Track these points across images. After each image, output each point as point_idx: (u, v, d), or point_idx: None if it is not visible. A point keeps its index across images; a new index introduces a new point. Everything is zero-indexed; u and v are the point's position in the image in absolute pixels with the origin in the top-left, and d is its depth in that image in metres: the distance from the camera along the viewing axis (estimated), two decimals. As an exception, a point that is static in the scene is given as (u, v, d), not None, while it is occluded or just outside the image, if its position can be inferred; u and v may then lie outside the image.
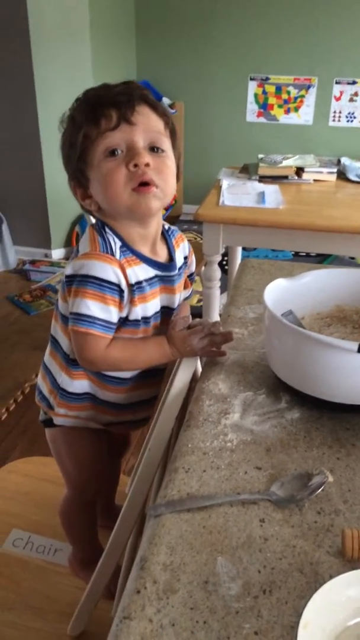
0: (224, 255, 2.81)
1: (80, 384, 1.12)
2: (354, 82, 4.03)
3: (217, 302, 2.33)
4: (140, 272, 1.02)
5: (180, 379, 0.98)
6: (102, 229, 1.01)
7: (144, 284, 1.02)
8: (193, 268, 1.19)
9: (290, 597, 0.62)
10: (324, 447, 0.83)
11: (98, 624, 1.23)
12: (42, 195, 3.44)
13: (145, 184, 0.95)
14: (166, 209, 4.39)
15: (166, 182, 0.97)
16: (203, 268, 2.33)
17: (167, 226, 1.11)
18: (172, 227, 1.14)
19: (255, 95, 4.20)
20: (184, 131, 4.41)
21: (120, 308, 1.00)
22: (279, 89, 4.13)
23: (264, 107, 4.22)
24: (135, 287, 1.00)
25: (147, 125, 0.96)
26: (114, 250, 0.99)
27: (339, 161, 2.56)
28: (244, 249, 3.05)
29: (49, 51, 3.20)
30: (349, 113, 4.12)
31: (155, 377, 1.15)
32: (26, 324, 2.94)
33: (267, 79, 4.13)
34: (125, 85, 0.98)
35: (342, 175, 2.48)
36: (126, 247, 1.01)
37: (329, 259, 3.73)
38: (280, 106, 4.18)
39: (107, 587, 1.19)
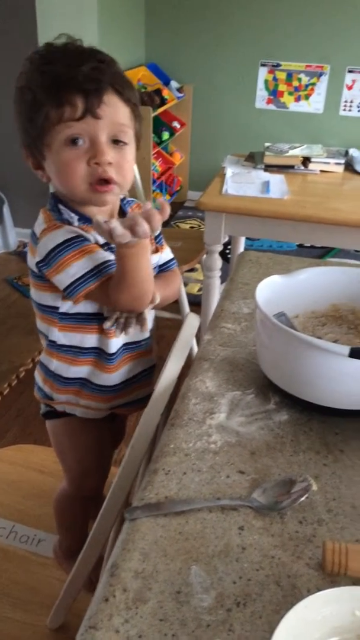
0: (227, 244, 2.77)
1: (76, 370, 1.09)
2: (366, 71, 3.95)
3: (217, 291, 2.29)
4: (101, 238, 1.00)
5: (168, 374, 0.95)
6: (56, 207, 1.00)
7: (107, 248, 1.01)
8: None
9: (265, 611, 0.60)
10: (311, 452, 0.80)
11: (78, 616, 1.21)
12: (44, 177, 3.40)
13: (104, 181, 0.94)
14: (171, 195, 4.34)
15: (125, 178, 0.96)
16: (204, 257, 2.29)
17: (122, 196, 1.09)
18: (129, 198, 1.11)
19: (266, 81, 4.13)
20: (191, 115, 4.34)
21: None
22: (290, 75, 4.05)
23: (274, 93, 4.15)
24: (106, 248, 0.99)
25: (112, 117, 0.92)
26: (70, 223, 0.98)
27: (347, 152, 2.50)
28: (248, 238, 3.00)
29: (56, 32, 3.12)
30: (360, 103, 4.05)
31: (140, 348, 1.12)
32: (24, 307, 2.91)
33: (279, 65, 4.05)
34: (94, 63, 0.92)
35: (349, 167, 2.43)
36: (84, 219, 1.00)
37: (333, 251, 3.69)
38: (290, 93, 4.11)
39: (88, 577, 1.17)
